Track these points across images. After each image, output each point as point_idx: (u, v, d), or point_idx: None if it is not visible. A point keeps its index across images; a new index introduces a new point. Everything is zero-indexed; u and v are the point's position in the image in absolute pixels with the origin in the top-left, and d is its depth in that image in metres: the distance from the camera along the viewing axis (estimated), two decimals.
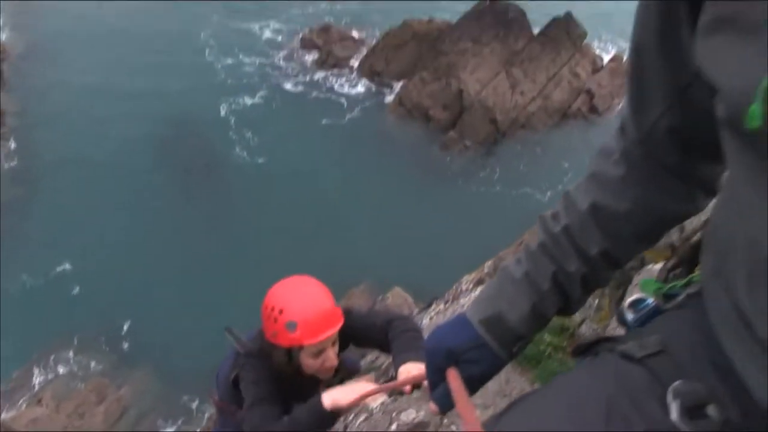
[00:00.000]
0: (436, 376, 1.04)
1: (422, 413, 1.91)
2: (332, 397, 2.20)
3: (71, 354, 12.47)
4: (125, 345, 12.98)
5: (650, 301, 0.98)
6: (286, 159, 18.23)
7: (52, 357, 12.28)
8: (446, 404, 1.04)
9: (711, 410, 0.76)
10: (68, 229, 15.30)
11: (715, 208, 0.88)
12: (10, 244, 14.60)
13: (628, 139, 0.98)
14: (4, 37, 21.03)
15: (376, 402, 2.24)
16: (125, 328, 13.28)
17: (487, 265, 3.52)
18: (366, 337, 2.66)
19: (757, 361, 0.74)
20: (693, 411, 0.77)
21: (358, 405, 2.17)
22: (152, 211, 16.11)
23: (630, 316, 0.99)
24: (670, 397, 0.78)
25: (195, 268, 14.69)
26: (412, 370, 2.23)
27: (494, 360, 1.03)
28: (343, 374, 2.64)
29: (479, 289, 2.67)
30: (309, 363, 2.41)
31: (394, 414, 2.02)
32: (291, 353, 2.40)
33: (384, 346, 2.56)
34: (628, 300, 1.01)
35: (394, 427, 1.91)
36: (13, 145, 17.54)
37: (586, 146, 17.87)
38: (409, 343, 2.48)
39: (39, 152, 17.48)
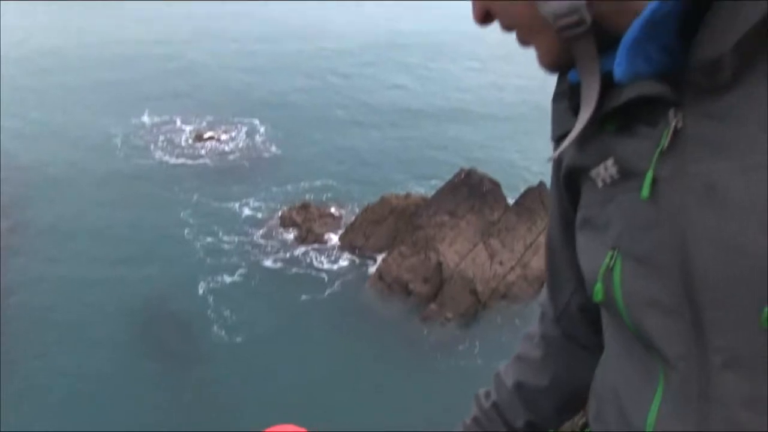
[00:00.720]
0: None
1: None
2: None
3: None
4: None
5: None
6: (264, 336, 18.04)
7: None
8: None
9: None
10: (46, 408, 15.11)
11: (599, 361, 1.04)
12: None
13: (547, 321, 1.21)
14: None
15: None
16: None
17: None
18: None
19: None
20: None
21: None
22: (133, 391, 15.84)
23: None
24: None
25: None
26: None
27: None
28: None
29: None
30: None
31: None
32: None
33: None
34: None
35: None
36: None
37: None
38: None
39: (19, 320, 17.51)
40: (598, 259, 0.85)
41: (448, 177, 22.17)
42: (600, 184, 0.86)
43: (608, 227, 0.84)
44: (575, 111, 0.83)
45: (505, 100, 31.10)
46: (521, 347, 1.26)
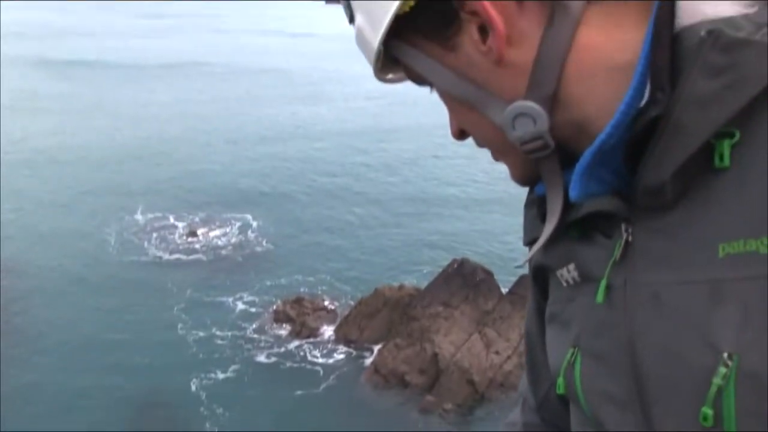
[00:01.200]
0: None
1: None
2: None
3: None
4: None
5: None
6: None
7: None
8: None
9: None
10: None
11: None
12: None
13: (528, 410, 1.28)
14: None
15: None
16: None
17: None
18: None
19: None
20: None
21: None
22: None
23: None
24: None
25: None
26: None
27: None
28: None
29: None
30: None
31: None
32: None
33: None
34: None
35: None
36: None
37: None
38: None
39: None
40: (561, 354, 0.93)
41: (441, 266, 22.28)
42: (564, 284, 0.96)
43: (570, 325, 0.93)
44: (543, 218, 0.93)
45: (493, 186, 31.77)
46: None
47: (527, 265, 1.15)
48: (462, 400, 19.00)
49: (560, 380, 0.93)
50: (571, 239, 0.92)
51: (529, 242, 1.04)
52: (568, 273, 0.94)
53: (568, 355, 0.91)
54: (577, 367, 0.89)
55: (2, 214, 27.29)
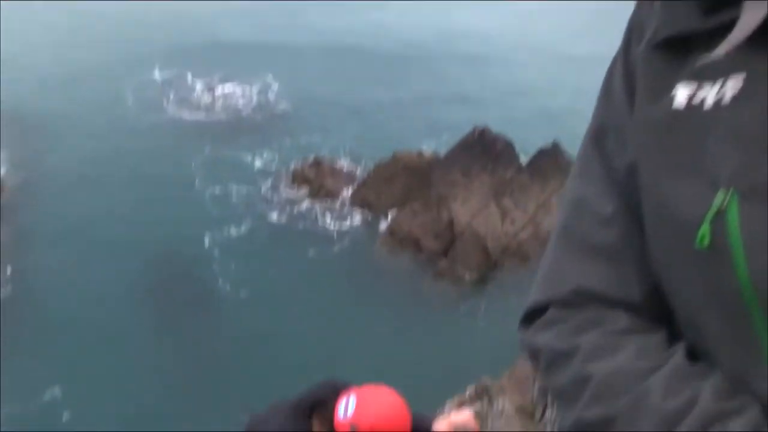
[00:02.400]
0: None
1: None
2: None
3: None
4: None
5: None
6: (270, 291, 18.03)
7: None
8: None
9: None
10: (58, 355, 15.24)
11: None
12: (2, 368, 14.54)
13: (629, 319, 0.90)
14: (3, 170, 21.41)
15: None
16: None
17: (468, 389, 3.32)
18: None
19: None
20: None
21: None
22: (141, 339, 15.98)
23: None
24: None
25: (183, 399, 14.39)
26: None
27: None
28: None
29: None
30: None
31: None
32: None
33: None
34: None
35: None
36: (8, 270, 17.66)
37: None
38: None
39: (33, 278, 17.56)
40: (701, 200, 0.73)
41: (461, 134, 21.82)
42: (709, 101, 0.73)
43: (715, 160, 0.72)
44: (712, 8, 0.72)
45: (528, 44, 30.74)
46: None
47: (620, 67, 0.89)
48: (475, 266, 19.13)
49: (704, 229, 0.72)
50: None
51: (666, 39, 0.79)
52: (720, 88, 0.72)
53: (718, 199, 0.71)
54: (733, 212, 0.69)
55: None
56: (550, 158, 21.54)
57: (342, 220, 21.14)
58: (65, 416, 13.96)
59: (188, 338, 16.26)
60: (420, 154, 22.38)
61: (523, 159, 21.72)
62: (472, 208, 20.07)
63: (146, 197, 20.89)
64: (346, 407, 2.42)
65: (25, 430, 13.54)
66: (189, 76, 27.67)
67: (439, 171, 21.13)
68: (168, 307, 17.19)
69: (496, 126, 21.84)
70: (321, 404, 2.58)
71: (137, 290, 17.58)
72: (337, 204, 21.66)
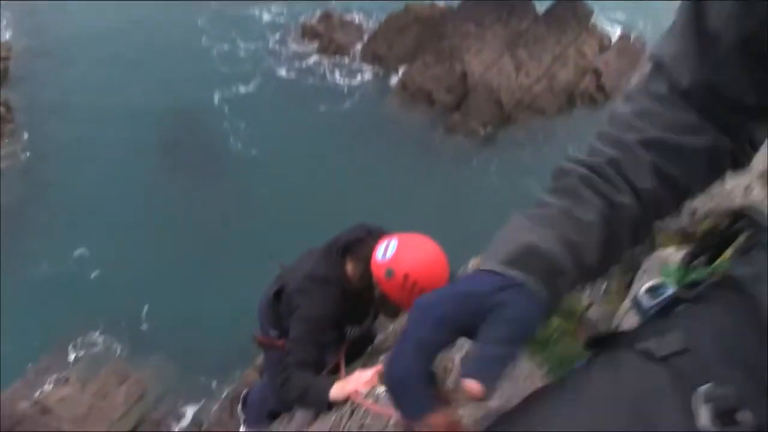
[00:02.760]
0: (433, 342, 0.71)
1: None
2: (333, 394, 2.26)
3: (94, 337, 12.93)
4: (144, 328, 13.34)
5: (669, 288, 0.88)
6: (281, 149, 17.97)
7: (76, 340, 12.73)
8: (421, 408, 0.70)
9: (743, 416, 0.67)
10: (81, 216, 15.54)
11: None
12: (29, 232, 15.02)
13: (665, 95, 0.88)
14: (8, 35, 20.95)
15: (383, 389, 2.00)
16: (144, 311, 13.59)
17: None
18: None
19: None
20: (724, 416, 0.67)
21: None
22: (159, 197, 16.23)
23: (647, 302, 0.90)
24: (697, 400, 0.68)
25: (205, 251, 14.86)
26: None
27: (530, 301, 0.73)
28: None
29: None
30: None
31: None
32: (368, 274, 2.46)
33: None
34: (646, 285, 0.92)
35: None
36: (25, 136, 17.69)
37: (591, 132, 17.37)
38: None
39: (49, 144, 17.57)
40: None
41: None
42: None
43: None
44: None
45: None
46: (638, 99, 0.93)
47: None
48: (488, 119, 18.98)
49: None
50: None
51: None
52: None
53: None
54: None
55: None
56: (568, 8, 20.76)
57: (352, 75, 20.78)
58: (93, 274, 14.41)
59: (205, 196, 16.48)
60: (432, 5, 21.68)
61: (540, 8, 20.90)
62: (485, 61, 19.62)
63: (154, 58, 20.49)
64: (386, 249, 2.38)
65: (55, 289, 13.88)
66: None
67: (452, 22, 20.50)
68: (183, 166, 17.28)
69: None
70: (355, 244, 2.54)
71: (151, 151, 17.64)
72: (348, 59, 21.21)
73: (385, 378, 0.72)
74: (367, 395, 2.11)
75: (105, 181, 16.50)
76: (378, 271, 2.37)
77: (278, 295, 2.78)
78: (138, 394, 11.28)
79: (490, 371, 0.68)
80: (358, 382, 2.24)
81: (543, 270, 0.75)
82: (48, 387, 11.25)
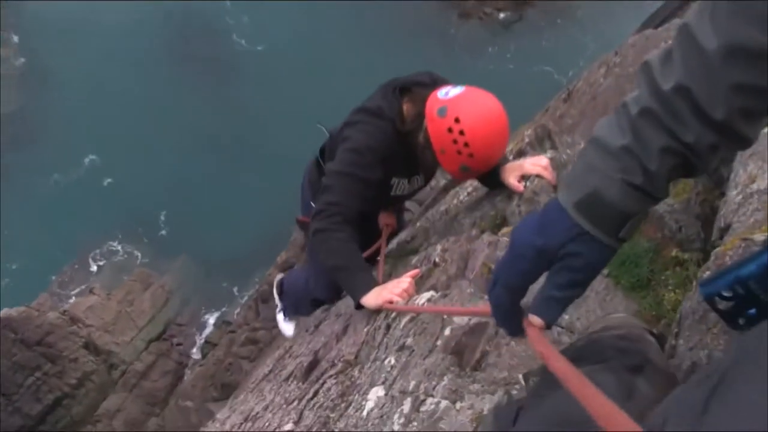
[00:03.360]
0: (519, 286, 0.87)
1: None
2: (366, 299, 2.06)
3: (114, 245, 13.07)
4: (163, 234, 13.41)
5: None
6: (286, 42, 17.40)
7: (96, 250, 12.87)
8: (517, 331, 0.91)
9: None
10: (86, 123, 15.29)
11: None
12: (35, 142, 14.82)
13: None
14: None
15: (422, 299, 1.81)
16: (161, 217, 13.61)
17: (527, 132, 2.86)
18: None
19: None
20: None
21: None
22: (165, 100, 15.89)
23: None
24: None
25: (219, 153, 14.70)
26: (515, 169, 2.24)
27: (600, 249, 0.82)
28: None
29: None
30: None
31: (445, 317, 1.53)
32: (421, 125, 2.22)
33: None
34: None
35: (447, 332, 1.46)
36: (15, 39, 17.25)
37: (608, 18, 16.96)
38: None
39: (50, 53, 17.01)
40: None
41: None
42: None
43: None
44: None
45: None
46: None
47: None
48: (505, 3, 18.05)
49: None
50: None
51: None
52: None
53: None
54: None
55: None
56: None
57: None
58: (107, 181, 14.32)
59: (213, 97, 16.13)
60: None
61: None
62: None
63: None
64: (449, 91, 2.11)
65: (70, 199, 13.85)
66: None
67: None
68: (189, 67, 16.85)
69: None
70: (416, 86, 2.26)
71: (157, 43, 17.18)
72: None
73: (492, 311, 0.91)
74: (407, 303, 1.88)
75: (107, 87, 16.06)
76: (432, 106, 2.09)
77: (322, 155, 2.52)
78: (163, 299, 11.60)
79: (549, 311, 0.85)
80: (393, 290, 2.01)
81: (609, 218, 0.80)
82: (74, 297, 11.45)
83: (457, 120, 2.07)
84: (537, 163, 2.22)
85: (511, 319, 0.89)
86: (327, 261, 2.18)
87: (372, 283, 2.07)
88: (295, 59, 16.95)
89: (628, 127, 0.78)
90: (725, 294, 0.83)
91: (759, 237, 1.00)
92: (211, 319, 11.66)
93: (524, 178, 2.24)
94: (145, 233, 13.22)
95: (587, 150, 0.83)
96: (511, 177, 2.24)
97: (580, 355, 0.93)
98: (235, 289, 12.24)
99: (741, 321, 0.83)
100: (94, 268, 12.60)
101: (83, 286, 11.85)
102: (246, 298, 11.38)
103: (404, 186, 2.45)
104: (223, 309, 11.84)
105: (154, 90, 16.05)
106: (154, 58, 16.92)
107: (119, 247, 13.01)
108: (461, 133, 2.06)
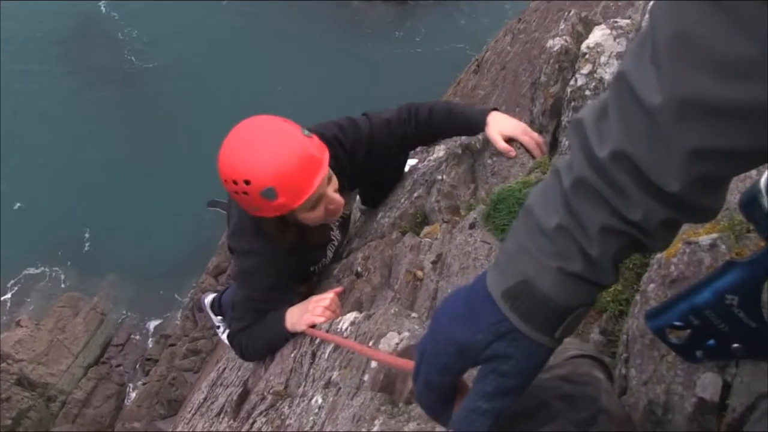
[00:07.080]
0: (441, 383, 0.73)
1: (405, 334, 1.37)
2: (290, 321, 1.96)
3: (35, 272, 12.44)
4: (86, 252, 12.86)
5: None
6: (177, 32, 16.89)
7: (15, 280, 12.23)
8: (445, 418, 0.76)
9: None
10: None
11: None
12: None
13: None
14: None
15: (345, 321, 1.71)
16: (84, 236, 13.10)
17: None
18: (382, 142, 2.15)
19: None
20: None
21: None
22: (69, 118, 15.20)
23: None
24: None
25: (130, 164, 14.17)
26: (503, 126, 2.04)
27: (533, 351, 0.67)
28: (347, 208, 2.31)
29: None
30: (311, 217, 1.97)
31: (371, 341, 1.43)
32: (284, 220, 1.97)
33: (413, 138, 2.17)
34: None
35: (374, 364, 1.37)
36: None
37: None
38: (460, 107, 2.16)
39: None
40: None
41: None
42: None
43: None
44: None
45: None
46: None
47: None
48: None
49: None
50: None
51: None
52: None
53: None
54: None
55: None
56: None
57: None
58: (17, 206, 13.63)
59: (117, 110, 15.42)
60: None
61: None
62: None
63: None
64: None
65: None
66: None
67: None
68: (89, 76, 16.13)
69: None
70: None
71: (55, 58, 16.48)
72: None
73: (416, 400, 0.78)
74: (329, 329, 1.74)
75: (6, 106, 15.25)
76: (228, 189, 1.88)
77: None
78: (97, 321, 11.17)
79: (474, 426, 0.69)
80: (314, 311, 1.86)
81: (544, 312, 0.65)
82: None
83: (235, 182, 1.85)
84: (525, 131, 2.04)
85: (443, 413, 0.74)
86: (256, 353, 2.14)
87: (283, 312, 1.98)
88: (187, 55, 16.38)
89: (561, 202, 0.64)
90: (677, 324, 0.70)
91: (705, 240, 0.89)
92: (150, 335, 11.28)
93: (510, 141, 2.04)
94: (66, 255, 12.69)
95: (519, 223, 0.68)
96: (495, 133, 2.05)
97: (524, 407, 0.77)
98: (169, 301, 11.86)
99: (699, 354, 0.71)
100: (17, 298, 12.05)
101: (9, 320, 11.30)
102: (181, 308, 11.10)
103: (327, 256, 2.32)
104: (160, 322, 11.47)
105: (57, 108, 15.33)
106: (54, 72, 16.19)
107: (41, 273, 12.44)
108: (246, 182, 1.83)
